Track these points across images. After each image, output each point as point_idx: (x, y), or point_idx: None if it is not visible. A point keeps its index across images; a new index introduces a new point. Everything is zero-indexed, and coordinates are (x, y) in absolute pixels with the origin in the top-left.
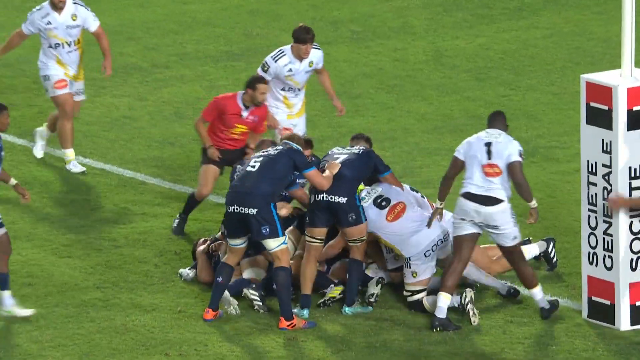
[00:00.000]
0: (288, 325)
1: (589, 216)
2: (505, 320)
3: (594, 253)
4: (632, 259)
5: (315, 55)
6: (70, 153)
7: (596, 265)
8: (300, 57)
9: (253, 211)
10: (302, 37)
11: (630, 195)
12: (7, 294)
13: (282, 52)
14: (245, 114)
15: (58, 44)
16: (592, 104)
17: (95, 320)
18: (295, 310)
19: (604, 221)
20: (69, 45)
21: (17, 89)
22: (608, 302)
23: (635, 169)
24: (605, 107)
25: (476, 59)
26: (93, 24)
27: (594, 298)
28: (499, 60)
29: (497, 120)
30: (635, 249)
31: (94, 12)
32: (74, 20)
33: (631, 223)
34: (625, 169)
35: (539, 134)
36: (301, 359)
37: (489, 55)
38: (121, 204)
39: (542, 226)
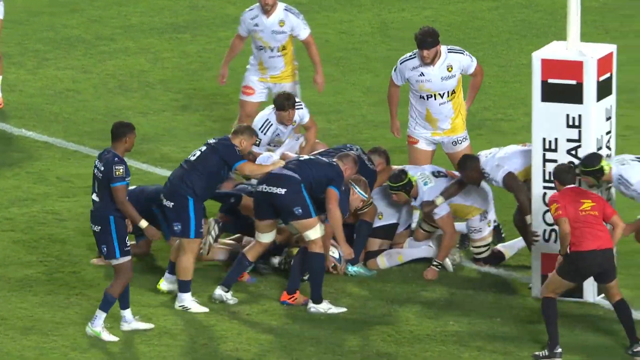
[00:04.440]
0: (290, 299)
1: (544, 194)
2: (451, 293)
3: (552, 230)
4: None
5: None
6: None
7: (555, 241)
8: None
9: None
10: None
11: None
12: None
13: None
14: None
15: (262, 47)
16: (552, 81)
17: (39, 294)
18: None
19: None
20: (272, 50)
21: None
22: None
23: (598, 140)
24: (574, 82)
25: None
26: (303, 32)
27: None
28: (445, 33)
29: None
30: None
31: (305, 20)
32: (281, 26)
33: None
34: (594, 140)
35: (485, 107)
36: (246, 333)
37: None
38: (65, 177)
39: None
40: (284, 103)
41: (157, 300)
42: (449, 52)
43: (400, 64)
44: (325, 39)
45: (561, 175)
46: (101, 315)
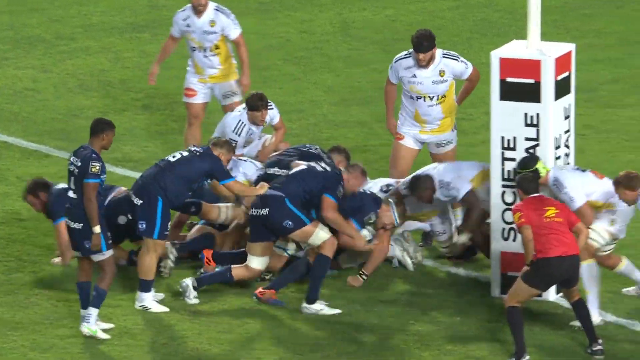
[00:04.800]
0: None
1: (503, 192)
2: (412, 293)
3: (511, 229)
4: None
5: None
6: None
7: (514, 240)
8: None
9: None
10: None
11: (554, 164)
12: None
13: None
14: None
15: (195, 47)
16: (510, 79)
17: None
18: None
19: None
20: (205, 50)
21: None
22: None
23: (557, 138)
24: (532, 81)
25: (383, 30)
26: (233, 32)
27: (509, 274)
28: (406, 32)
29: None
30: None
31: (236, 20)
32: (212, 26)
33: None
34: (552, 139)
35: None
36: (206, 332)
37: (396, 27)
38: (25, 177)
39: None
40: (257, 104)
41: (116, 300)
42: (443, 57)
43: (395, 62)
44: (286, 38)
45: (524, 184)
46: (94, 312)
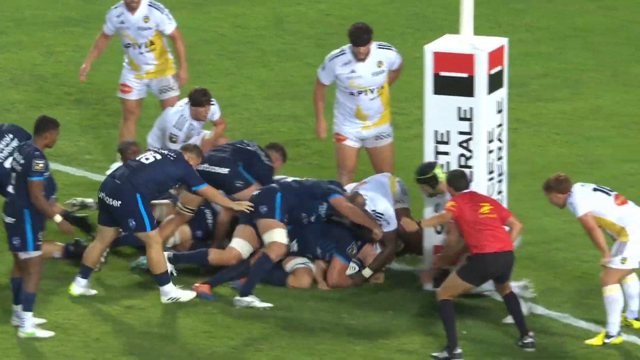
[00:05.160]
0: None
1: None
2: (349, 291)
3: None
4: None
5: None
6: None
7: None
8: (200, 118)
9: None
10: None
11: (487, 158)
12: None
13: None
14: None
15: (129, 44)
16: (444, 74)
17: None
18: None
19: None
20: (139, 47)
21: None
22: None
23: (490, 132)
24: (465, 75)
25: (317, 25)
26: (168, 27)
27: (444, 267)
28: (339, 26)
29: None
30: None
31: (170, 15)
32: (146, 22)
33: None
34: (485, 133)
35: None
36: (139, 327)
37: (330, 21)
38: None
39: None
40: (201, 99)
41: (48, 295)
42: (378, 47)
43: (330, 60)
44: (220, 32)
45: (455, 182)
46: (28, 316)
